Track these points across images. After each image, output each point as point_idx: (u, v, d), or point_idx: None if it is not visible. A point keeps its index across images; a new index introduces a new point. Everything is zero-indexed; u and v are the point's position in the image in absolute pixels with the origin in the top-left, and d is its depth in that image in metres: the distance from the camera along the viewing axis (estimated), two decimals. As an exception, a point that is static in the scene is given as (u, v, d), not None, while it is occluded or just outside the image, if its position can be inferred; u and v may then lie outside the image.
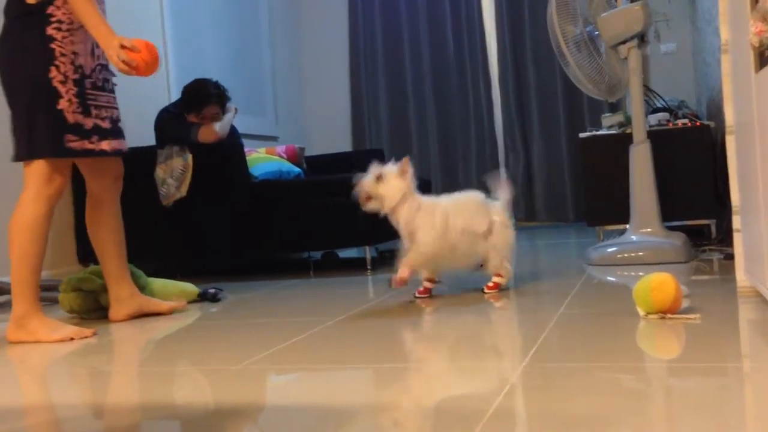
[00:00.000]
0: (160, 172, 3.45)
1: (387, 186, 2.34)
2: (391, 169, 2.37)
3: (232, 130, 3.71)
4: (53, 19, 2.16)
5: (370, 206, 2.37)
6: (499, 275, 2.46)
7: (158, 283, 2.69)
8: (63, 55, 2.17)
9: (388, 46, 5.84)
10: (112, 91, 2.36)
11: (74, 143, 2.19)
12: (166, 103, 3.92)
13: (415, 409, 1.26)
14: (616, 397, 1.22)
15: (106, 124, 2.28)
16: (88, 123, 2.22)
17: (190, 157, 3.43)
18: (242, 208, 3.48)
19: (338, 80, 5.99)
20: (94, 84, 2.25)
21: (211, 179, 3.44)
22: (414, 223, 2.36)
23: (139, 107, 3.98)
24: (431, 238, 2.34)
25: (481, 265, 2.49)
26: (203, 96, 3.56)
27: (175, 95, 3.98)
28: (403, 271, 2.34)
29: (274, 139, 5.33)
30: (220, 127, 3.51)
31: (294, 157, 4.26)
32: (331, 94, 6.01)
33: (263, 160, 3.93)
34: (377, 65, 5.85)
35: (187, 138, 3.47)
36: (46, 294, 2.93)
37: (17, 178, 2.28)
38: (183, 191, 3.42)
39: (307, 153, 4.53)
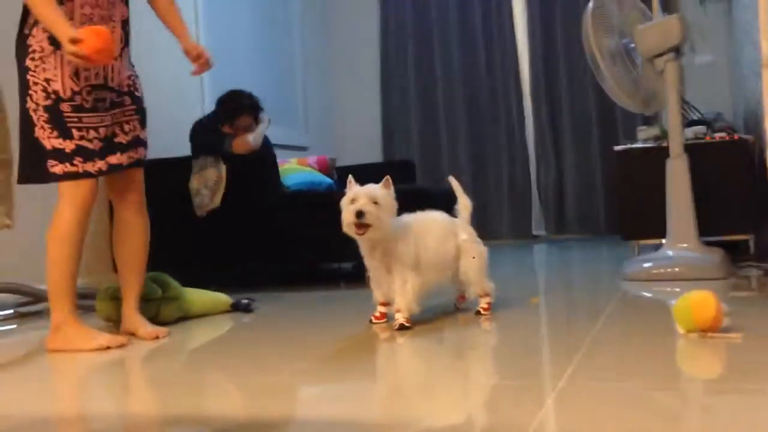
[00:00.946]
0: (194, 182, 3.49)
1: (385, 207, 2.12)
2: (376, 188, 2.15)
3: (266, 140, 3.74)
4: (30, 49, 2.22)
5: (369, 235, 2.11)
6: (485, 294, 2.36)
7: (193, 293, 2.71)
8: (35, 83, 2.21)
9: (419, 57, 5.85)
10: (113, 108, 2.34)
11: (56, 168, 2.21)
12: (201, 115, 3.96)
13: (450, 426, 1.25)
14: (653, 416, 1.20)
15: (94, 145, 2.26)
16: (69, 146, 2.22)
17: (223, 168, 3.46)
18: (274, 219, 3.49)
19: (369, 91, 6.01)
20: (77, 106, 2.24)
21: (244, 190, 3.46)
22: (391, 254, 2.17)
23: (173, 119, 4.03)
24: (412, 272, 2.17)
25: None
26: (236, 107, 3.59)
27: (210, 107, 4.02)
28: (405, 319, 2.17)
29: (304, 149, 5.36)
30: (253, 139, 3.53)
31: (325, 167, 4.27)
32: (362, 105, 6.03)
33: (295, 170, 3.95)
34: (408, 76, 5.86)
35: (220, 149, 3.50)
36: (83, 302, 2.97)
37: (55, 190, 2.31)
38: (216, 202, 3.45)
39: (338, 164, 4.54)
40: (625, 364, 1.61)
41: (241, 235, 3.51)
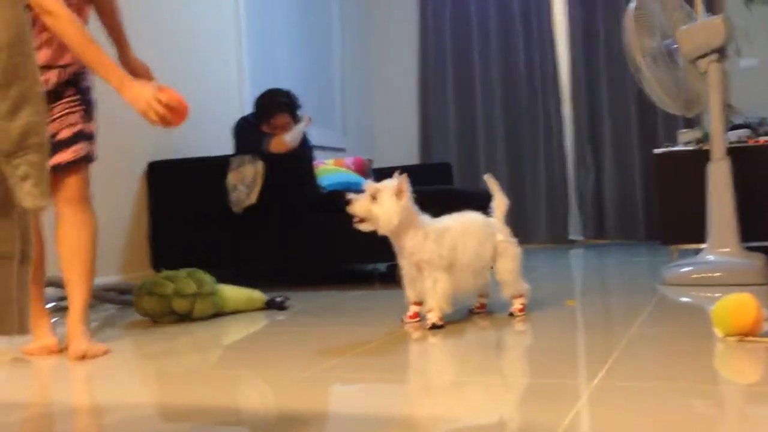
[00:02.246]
0: (231, 178, 3.52)
1: (382, 207, 2.14)
2: (387, 186, 2.16)
3: (305, 140, 3.77)
4: None
5: (365, 227, 2.18)
6: (520, 295, 2.34)
7: (228, 289, 2.74)
8: None
9: (457, 60, 5.83)
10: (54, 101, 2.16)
11: None
12: (240, 115, 4.01)
13: (483, 424, 1.24)
14: (689, 420, 1.17)
15: None
16: None
17: (261, 164, 3.48)
18: (310, 218, 3.51)
19: (407, 93, 6.01)
20: None
21: (280, 188, 3.49)
22: (420, 255, 2.18)
23: (213, 119, 4.08)
24: (445, 274, 2.17)
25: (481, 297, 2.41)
26: (273, 105, 3.63)
27: (248, 107, 4.07)
28: (438, 318, 2.17)
29: (341, 150, 5.38)
30: (290, 138, 3.56)
31: (361, 168, 4.28)
32: (400, 107, 6.03)
33: (331, 171, 3.97)
34: (446, 78, 5.85)
35: (259, 148, 3.54)
36: (122, 297, 3.02)
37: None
38: (253, 198, 3.48)
39: (375, 165, 4.55)
40: (661, 366, 1.59)
41: (277, 232, 3.54)
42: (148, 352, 2.09)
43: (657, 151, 3.75)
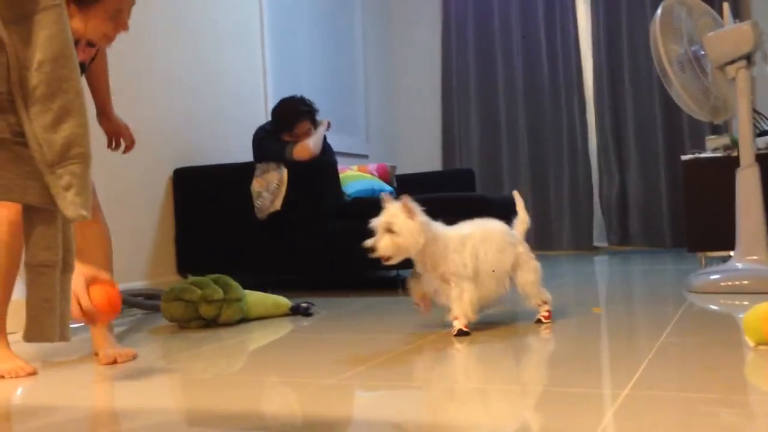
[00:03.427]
0: (256, 185, 3.54)
1: (403, 233, 2.09)
2: (396, 213, 2.12)
3: (326, 146, 3.77)
4: None
5: (395, 261, 2.14)
6: (544, 302, 2.33)
7: (254, 295, 2.76)
8: None
9: (480, 66, 5.83)
10: None
11: None
12: (264, 121, 4.03)
13: (513, 431, 1.23)
14: (719, 430, 1.16)
15: None
16: None
17: (285, 171, 3.50)
18: (335, 225, 3.52)
19: (429, 100, 6.02)
20: None
21: (305, 195, 3.51)
22: (445, 267, 2.16)
23: (236, 126, 4.11)
24: (471, 284, 2.16)
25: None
26: (294, 114, 3.63)
27: (270, 115, 4.09)
28: (464, 325, 2.17)
29: (364, 157, 5.40)
30: (313, 144, 3.57)
31: (385, 175, 4.29)
32: (422, 114, 6.04)
33: (356, 178, 3.98)
34: (469, 85, 5.85)
35: (282, 157, 3.55)
36: (149, 302, 3.05)
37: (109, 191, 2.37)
38: (277, 205, 3.50)
39: (398, 172, 4.56)
40: (690, 375, 1.57)
41: (301, 239, 3.55)
42: (174, 357, 2.11)
43: (684, 157, 3.72)
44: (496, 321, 2.40)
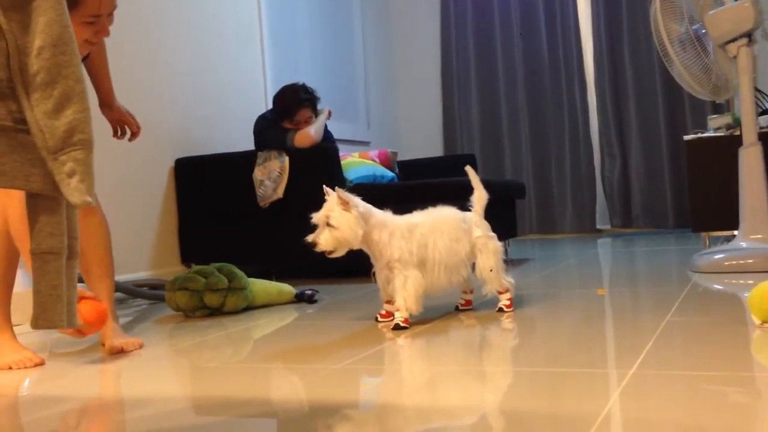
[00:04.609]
0: (258, 173, 3.54)
1: (341, 227, 2.07)
2: (333, 207, 2.10)
3: (326, 133, 3.77)
4: None
5: (338, 254, 2.12)
6: (505, 291, 2.27)
7: (259, 283, 2.76)
8: None
9: (480, 51, 5.81)
10: None
11: None
12: (264, 110, 4.02)
13: (521, 413, 1.24)
14: (726, 408, 1.16)
15: None
16: None
17: (286, 159, 3.50)
18: (337, 212, 3.52)
19: (430, 85, 6.00)
20: None
21: (307, 182, 3.50)
22: (389, 253, 2.12)
23: (237, 114, 4.11)
24: (416, 273, 2.11)
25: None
26: (295, 102, 3.62)
27: (272, 103, 4.08)
28: (404, 320, 2.10)
29: (365, 144, 5.39)
30: (315, 131, 3.56)
31: (386, 161, 4.28)
32: (423, 99, 6.02)
33: (357, 164, 3.97)
34: (469, 69, 5.83)
35: (283, 145, 3.54)
36: (154, 292, 3.06)
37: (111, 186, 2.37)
38: (279, 193, 3.50)
39: (399, 158, 4.55)
40: (696, 354, 1.57)
41: (304, 226, 3.55)
42: (180, 346, 2.12)
43: (687, 137, 3.71)
44: (457, 310, 2.38)
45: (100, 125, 2.24)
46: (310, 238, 2.10)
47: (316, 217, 2.12)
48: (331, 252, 2.12)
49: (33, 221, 0.87)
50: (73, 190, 0.85)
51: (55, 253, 0.87)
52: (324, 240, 2.09)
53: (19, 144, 0.84)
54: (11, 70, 0.82)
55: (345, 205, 2.09)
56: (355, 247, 2.14)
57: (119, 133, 2.38)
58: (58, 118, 0.83)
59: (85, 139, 0.86)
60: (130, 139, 2.40)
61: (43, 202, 0.86)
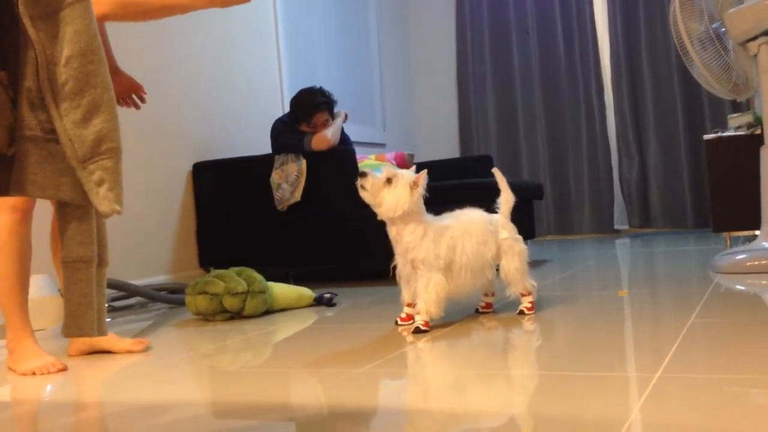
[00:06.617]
0: (275, 177, 3.55)
1: (393, 193, 2.06)
2: (405, 175, 2.09)
3: (344, 136, 3.77)
4: None
5: (367, 198, 2.10)
6: (528, 293, 2.25)
7: (278, 287, 2.76)
8: None
9: (496, 51, 5.79)
10: None
11: None
12: (281, 114, 4.03)
13: (548, 417, 1.23)
14: (750, 412, 1.15)
15: None
16: None
17: (304, 162, 3.50)
18: (355, 215, 3.52)
19: (446, 87, 5.99)
20: None
21: (324, 185, 3.51)
22: (416, 253, 2.09)
23: (254, 118, 4.12)
24: (440, 276, 2.09)
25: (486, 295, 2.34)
26: (311, 105, 3.62)
27: (288, 106, 4.09)
28: (424, 323, 2.08)
29: (381, 146, 5.39)
30: (332, 134, 3.57)
31: (403, 163, 4.27)
32: (439, 101, 6.01)
33: (374, 166, 3.97)
34: (485, 70, 5.81)
35: (300, 148, 3.55)
36: (174, 296, 3.07)
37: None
38: (297, 196, 3.50)
39: (415, 160, 4.54)
40: (721, 357, 1.55)
41: (322, 230, 3.56)
42: (200, 350, 2.12)
43: (707, 137, 3.68)
44: (477, 313, 2.35)
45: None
46: (367, 170, 2.10)
47: (387, 168, 2.11)
48: (367, 197, 2.10)
49: (63, 230, 0.88)
50: (102, 199, 0.85)
51: (86, 261, 0.87)
52: (371, 183, 2.08)
53: (49, 154, 0.84)
54: (40, 80, 0.83)
55: (415, 185, 2.08)
56: (383, 217, 2.13)
57: (127, 102, 2.38)
58: (87, 127, 0.84)
59: (114, 148, 0.87)
60: (137, 107, 2.39)
61: (73, 211, 0.86)
